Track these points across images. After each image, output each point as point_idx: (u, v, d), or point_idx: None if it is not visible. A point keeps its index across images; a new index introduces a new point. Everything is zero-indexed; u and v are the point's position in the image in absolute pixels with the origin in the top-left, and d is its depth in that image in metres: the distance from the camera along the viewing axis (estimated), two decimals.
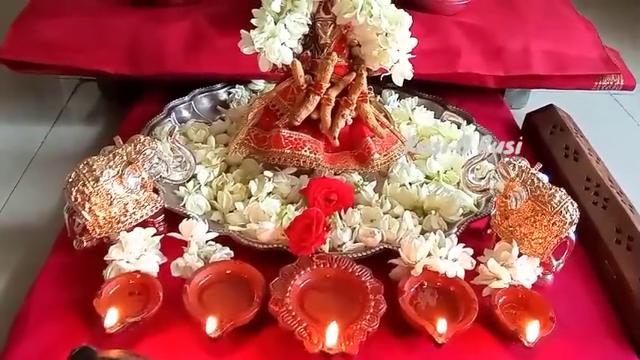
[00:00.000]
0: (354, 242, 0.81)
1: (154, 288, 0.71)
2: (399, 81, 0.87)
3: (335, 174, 0.89)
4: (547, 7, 1.25)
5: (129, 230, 0.77)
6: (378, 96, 1.14)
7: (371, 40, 0.84)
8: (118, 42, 1.07)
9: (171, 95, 1.11)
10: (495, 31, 1.13)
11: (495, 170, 0.80)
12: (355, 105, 0.87)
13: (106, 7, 1.12)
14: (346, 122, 0.88)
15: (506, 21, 1.17)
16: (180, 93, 1.11)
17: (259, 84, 1.16)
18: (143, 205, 0.79)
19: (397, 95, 1.15)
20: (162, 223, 0.83)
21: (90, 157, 0.76)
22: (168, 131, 0.79)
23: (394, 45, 0.83)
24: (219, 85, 1.15)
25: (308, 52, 0.87)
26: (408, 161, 0.94)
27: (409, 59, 0.86)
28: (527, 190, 0.76)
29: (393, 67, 0.85)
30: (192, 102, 1.10)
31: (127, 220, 0.77)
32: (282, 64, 0.86)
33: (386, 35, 0.83)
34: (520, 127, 1.17)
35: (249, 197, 0.87)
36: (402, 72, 0.86)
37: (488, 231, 0.85)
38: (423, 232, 0.83)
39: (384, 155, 0.90)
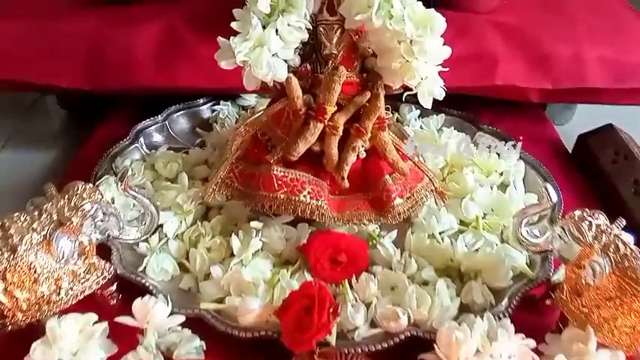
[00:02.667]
0: (370, 326, 0.60)
1: None
2: (426, 102, 0.66)
3: (343, 222, 0.68)
4: (599, 5, 1.03)
5: (65, 311, 0.56)
6: (395, 113, 0.93)
7: (391, 49, 0.63)
8: (75, 49, 0.87)
9: (142, 113, 0.91)
10: (539, 34, 0.91)
11: (562, 228, 0.59)
12: (370, 134, 0.66)
13: (59, 6, 0.92)
14: (358, 156, 0.67)
15: (552, 21, 0.95)
16: (154, 110, 0.91)
17: (250, 99, 0.95)
18: (84, 278, 0.58)
19: (419, 111, 0.94)
20: (114, 296, 0.63)
21: (7, 217, 0.55)
22: (118, 176, 0.58)
23: (422, 56, 0.62)
24: (200, 101, 0.94)
25: (308, 65, 0.66)
26: (437, 203, 0.73)
27: (440, 73, 0.65)
28: (609, 260, 0.55)
29: (419, 84, 0.64)
30: (167, 122, 0.89)
31: (60, 300, 0.57)
32: (274, 81, 0.65)
33: (411, 43, 0.62)
34: (570, 151, 0.95)
35: (232, 254, 0.66)
36: (430, 90, 0.65)
37: (548, 302, 0.64)
38: (462, 309, 0.62)
39: (408, 198, 0.69)
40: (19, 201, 0.57)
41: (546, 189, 0.61)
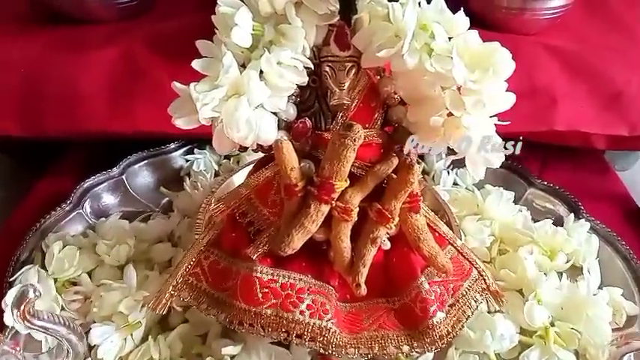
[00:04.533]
0: None
1: None
2: (479, 172, 0.45)
3: (359, 352, 0.47)
4: None
5: None
6: (422, 164, 0.72)
7: (429, 98, 0.43)
8: (4, 83, 0.66)
9: (97, 161, 0.71)
10: (606, 62, 0.71)
11: None
12: (397, 219, 0.46)
13: None
14: (380, 247, 0.47)
15: (619, 44, 0.75)
16: (112, 158, 0.70)
17: None
18: None
19: (450, 159, 0.73)
20: None
21: None
22: (14, 300, 0.38)
23: (477, 109, 0.41)
24: (171, 146, 0.73)
25: (307, 119, 0.46)
26: (490, 309, 0.52)
27: (497, 128, 0.45)
28: None
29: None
30: (124, 177, 0.69)
31: None
32: (258, 144, 0.44)
33: (460, 90, 0.42)
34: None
35: None
36: (486, 156, 0.45)
37: None
38: None
39: (452, 307, 0.48)
40: None
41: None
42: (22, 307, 0.38)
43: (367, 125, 0.46)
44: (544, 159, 0.79)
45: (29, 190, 0.73)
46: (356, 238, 0.46)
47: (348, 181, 0.44)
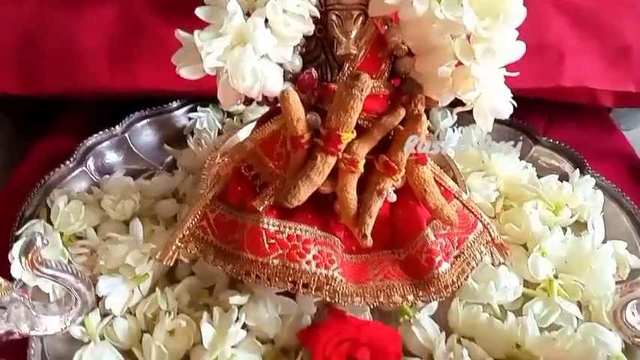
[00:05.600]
0: None
1: None
2: (486, 124, 0.45)
3: (365, 300, 0.47)
4: None
5: None
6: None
7: (438, 47, 0.42)
8: (3, 41, 0.65)
9: (98, 120, 0.70)
10: (615, 17, 0.70)
11: None
12: (404, 171, 0.45)
13: None
14: (386, 200, 0.47)
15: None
16: (114, 117, 0.70)
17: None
18: None
19: (456, 117, 0.73)
20: None
21: None
22: (22, 248, 0.38)
23: (487, 58, 0.41)
24: (174, 105, 0.73)
25: (313, 70, 0.45)
26: (494, 261, 0.53)
27: (506, 79, 0.44)
28: None
29: (478, 98, 0.43)
30: (127, 135, 0.68)
31: None
32: (264, 96, 0.44)
33: (469, 39, 0.41)
34: None
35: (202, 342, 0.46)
36: (495, 107, 0.44)
37: None
38: None
39: (456, 258, 0.48)
40: None
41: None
42: (30, 255, 0.38)
43: (374, 76, 0.45)
44: (550, 118, 0.78)
45: (30, 150, 0.73)
46: (362, 190, 0.46)
47: (355, 133, 0.44)
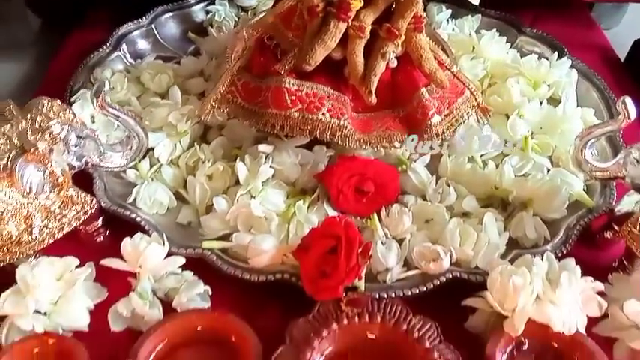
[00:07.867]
0: (404, 266, 0.51)
1: None
2: None
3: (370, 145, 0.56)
4: None
5: (48, 252, 0.47)
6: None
7: None
8: None
9: (125, 14, 0.77)
10: None
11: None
12: (404, 37, 0.54)
13: None
14: (388, 65, 0.55)
15: None
16: (139, 11, 0.77)
17: None
18: (60, 214, 0.48)
19: (450, 11, 0.80)
20: (100, 232, 0.53)
21: None
22: (93, 91, 0.46)
23: None
24: (192, 0, 0.80)
25: None
26: (479, 121, 0.62)
27: None
28: None
29: None
30: (154, 26, 0.76)
31: (34, 240, 0.47)
32: None
33: None
34: (622, 60, 0.82)
35: (237, 183, 0.56)
36: None
37: (608, 235, 0.55)
38: (510, 244, 0.53)
39: (447, 116, 0.58)
40: None
41: (624, 103, 0.49)
42: (100, 97, 0.46)
43: None
44: (535, 14, 0.85)
45: (63, 44, 0.80)
46: (368, 54, 0.54)
47: (363, 2, 0.52)
